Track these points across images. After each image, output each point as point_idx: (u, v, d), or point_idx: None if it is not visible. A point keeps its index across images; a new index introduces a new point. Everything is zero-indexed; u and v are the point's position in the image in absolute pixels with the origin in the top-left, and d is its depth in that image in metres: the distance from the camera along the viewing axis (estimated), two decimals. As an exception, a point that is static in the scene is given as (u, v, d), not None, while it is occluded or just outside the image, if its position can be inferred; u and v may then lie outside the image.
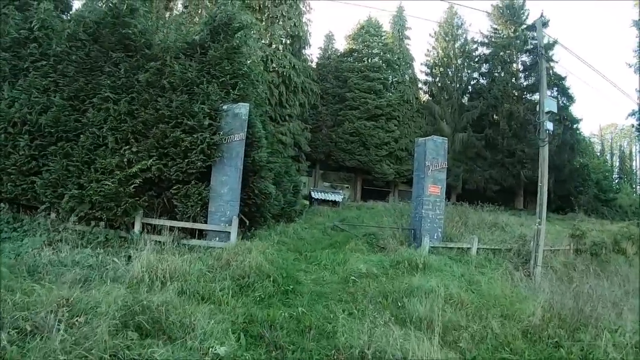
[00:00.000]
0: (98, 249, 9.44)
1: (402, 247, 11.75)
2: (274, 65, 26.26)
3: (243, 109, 11.44)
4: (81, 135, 11.17)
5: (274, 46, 27.10)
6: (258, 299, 6.67)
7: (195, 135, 10.71)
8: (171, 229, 10.71)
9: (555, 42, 39.01)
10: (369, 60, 42.66)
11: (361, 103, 39.78)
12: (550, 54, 39.36)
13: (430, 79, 46.57)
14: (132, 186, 10.56)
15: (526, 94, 41.17)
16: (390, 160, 40.01)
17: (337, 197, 26.75)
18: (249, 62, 12.98)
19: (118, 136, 11.09)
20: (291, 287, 7.55)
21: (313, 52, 44.17)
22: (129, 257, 7.95)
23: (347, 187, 40.78)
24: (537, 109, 13.80)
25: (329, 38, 46.72)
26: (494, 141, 39.22)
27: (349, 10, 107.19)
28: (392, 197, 42.22)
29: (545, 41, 39.48)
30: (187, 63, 11.99)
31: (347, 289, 8.10)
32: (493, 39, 43.21)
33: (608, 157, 73.28)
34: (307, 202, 26.79)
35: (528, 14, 41.91)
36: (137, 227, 10.89)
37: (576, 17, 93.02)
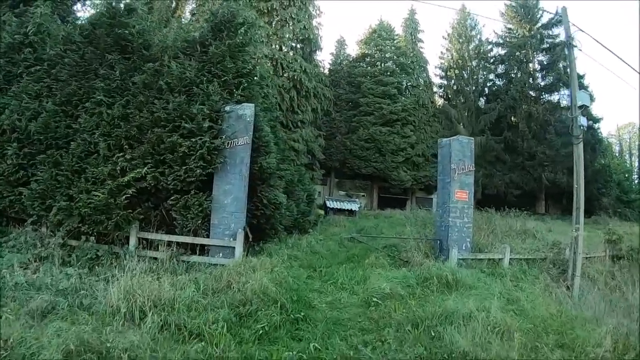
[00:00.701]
0: (85, 267, 8.37)
1: (428, 261, 10.42)
2: (284, 69, 25.21)
3: (248, 110, 10.32)
4: (72, 142, 10.21)
5: (284, 50, 26.10)
6: (261, 332, 5.41)
7: (193, 140, 9.61)
8: (169, 244, 9.59)
9: (573, 38, 38.54)
10: (382, 65, 41.61)
11: (375, 108, 38.64)
12: (566, 52, 38.06)
13: (445, 82, 45.84)
14: (125, 197, 9.48)
15: (544, 95, 40.08)
16: (407, 166, 38.70)
17: (354, 206, 25.49)
18: (254, 61, 11.90)
19: (111, 142, 10.10)
20: (302, 313, 6.30)
21: (325, 58, 43.30)
22: (112, 278, 6.77)
23: (363, 196, 39.49)
24: (570, 104, 12.45)
25: (341, 43, 45.80)
26: (513, 144, 38.26)
27: (360, 14, 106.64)
28: (410, 205, 40.85)
29: (561, 37, 38.97)
30: (186, 62, 10.97)
31: (368, 314, 6.85)
32: (508, 39, 42.31)
33: (627, 157, 70.81)
34: (322, 212, 25.60)
35: (542, 13, 40.80)
36: (132, 243, 9.78)
37: (590, 17, 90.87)
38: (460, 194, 11.81)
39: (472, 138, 12.80)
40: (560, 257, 12.28)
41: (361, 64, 42.04)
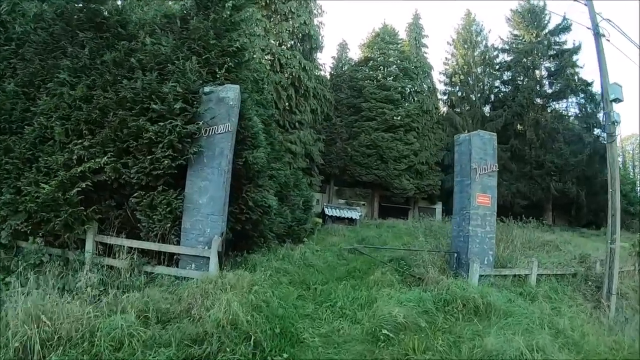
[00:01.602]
0: (20, 277, 6.57)
1: (445, 278, 8.60)
2: (282, 65, 23.44)
3: (231, 92, 8.56)
4: (27, 127, 8.48)
5: (282, 47, 24.34)
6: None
7: (162, 124, 7.83)
8: (131, 250, 7.78)
9: (580, 46, 37.57)
10: (386, 69, 40.04)
11: (378, 113, 36.95)
12: (575, 59, 37.19)
13: (449, 88, 44.70)
14: (77, 191, 7.69)
15: (551, 102, 39.02)
16: (409, 174, 36.94)
17: (354, 214, 23.63)
18: (246, 42, 10.16)
19: (69, 127, 8.36)
20: (285, 355, 4.45)
21: (326, 62, 41.59)
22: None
23: (364, 205, 37.61)
24: (602, 97, 10.77)
25: (343, 47, 44.28)
26: (520, 152, 37.19)
27: (363, 17, 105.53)
28: (412, 215, 39.03)
29: (570, 45, 37.87)
30: (163, 38, 9.24)
31: (377, 353, 5.00)
32: (514, 45, 41.23)
33: (630, 169, 69.55)
34: (320, 220, 23.76)
35: (550, 18, 39.79)
36: (89, 247, 8.02)
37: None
38: (482, 198, 10.03)
39: (495, 134, 11.02)
40: (592, 272, 10.92)
41: (364, 68, 40.37)
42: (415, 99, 39.45)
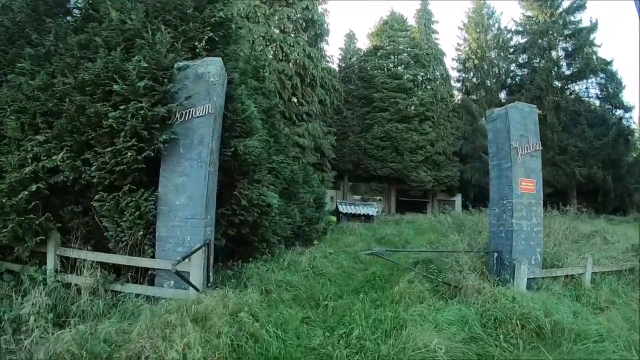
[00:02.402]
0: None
1: (489, 285, 6.90)
2: (284, 53, 21.71)
3: (212, 66, 6.93)
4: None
5: (284, 33, 22.57)
6: None
7: (123, 107, 6.24)
8: (97, 265, 6.32)
9: (596, 23, 35.54)
10: (396, 57, 38.28)
11: (390, 103, 35.19)
12: (592, 37, 35.98)
13: (463, 74, 43.12)
14: (26, 196, 6.17)
15: (571, 83, 37.11)
16: (427, 166, 35.13)
17: (371, 211, 21.87)
18: (231, 12, 8.56)
19: (25, 120, 6.86)
20: None
21: (334, 54, 39.96)
22: None
23: (380, 200, 35.80)
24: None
25: (350, 37, 42.51)
26: (541, 138, 33.65)
27: (369, 7, 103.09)
28: (431, 208, 37.26)
29: (585, 23, 35.94)
30: (132, 12, 7.66)
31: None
32: (528, 26, 39.38)
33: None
34: (334, 218, 22.08)
35: (564, -6, 37.54)
36: (51, 263, 6.57)
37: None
38: (526, 183, 8.27)
39: (534, 105, 9.27)
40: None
41: (373, 57, 38.53)
42: (429, 87, 37.60)
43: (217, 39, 8.03)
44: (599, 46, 36.18)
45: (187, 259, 6.07)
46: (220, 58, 7.13)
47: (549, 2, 37.83)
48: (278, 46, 21.20)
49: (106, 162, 6.23)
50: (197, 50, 7.63)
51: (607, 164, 33.22)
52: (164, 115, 6.42)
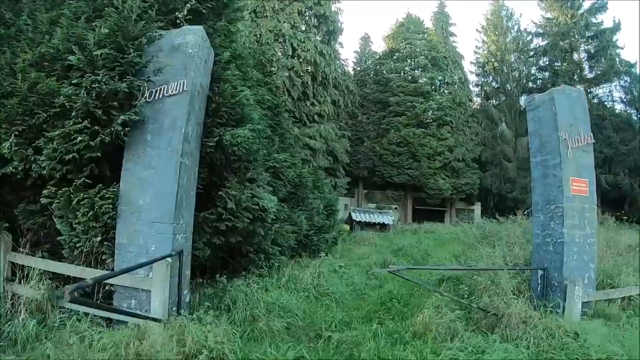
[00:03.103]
0: None
1: (538, 314, 5.38)
2: (294, 49, 20.35)
3: (191, 36, 5.59)
4: None
5: (294, 30, 21.15)
6: None
7: (76, 81, 4.93)
8: (55, 276, 5.13)
9: (619, 24, 33.85)
10: (413, 60, 36.90)
11: (407, 108, 33.82)
12: (614, 38, 34.68)
13: (482, 79, 41.58)
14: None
15: (594, 87, 35.26)
16: (445, 173, 33.66)
17: (386, 219, 20.29)
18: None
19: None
20: None
21: (349, 57, 38.66)
22: None
23: (396, 209, 34.18)
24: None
25: (365, 40, 41.37)
26: None
27: (384, 11, 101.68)
28: (449, 218, 35.56)
29: (609, 24, 34.23)
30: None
31: None
32: (548, 28, 37.70)
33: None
34: (347, 227, 20.59)
35: (586, -5, 36.11)
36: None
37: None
38: (578, 184, 6.76)
39: (582, 89, 7.82)
40: None
41: (389, 60, 37.24)
42: (447, 91, 36.25)
43: (203, 10, 6.73)
44: (622, 48, 34.83)
45: (149, 274, 4.71)
46: (201, 27, 5.80)
47: (569, 3, 36.30)
48: (287, 42, 19.87)
49: (55, 149, 4.92)
50: (178, 22, 6.33)
51: (634, 170, 31.73)
52: (126, 92, 5.08)
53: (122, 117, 4.90)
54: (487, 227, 12.71)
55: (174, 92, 5.31)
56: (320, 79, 22.06)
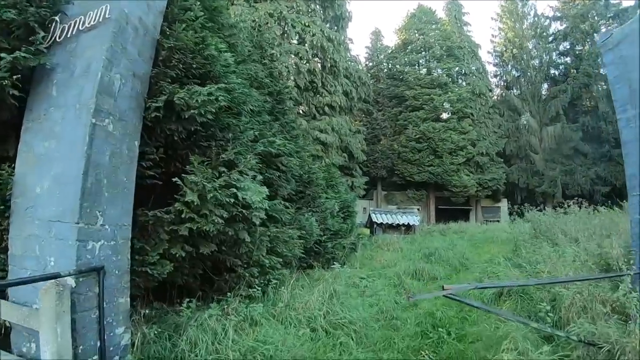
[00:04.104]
0: None
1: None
2: (297, 31, 18.32)
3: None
4: None
5: (297, 14, 19.07)
6: None
7: None
8: None
9: None
10: (428, 52, 34.71)
11: (425, 101, 31.65)
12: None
13: (500, 69, 39.28)
14: None
15: None
16: (469, 169, 31.24)
17: (412, 220, 17.98)
18: None
19: None
20: None
21: (360, 53, 36.73)
22: None
23: (418, 209, 31.88)
24: None
25: (376, 35, 39.28)
26: (593, 130, 32.24)
27: (393, 9, 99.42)
28: (475, 216, 33.18)
29: (629, 2, 32.08)
30: None
31: None
32: (566, 11, 35.88)
33: None
34: (367, 231, 18.47)
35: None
36: None
37: None
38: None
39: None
40: None
41: (402, 53, 35.18)
42: (465, 82, 33.92)
43: None
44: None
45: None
46: None
47: (587, -18, 34.21)
48: (289, 25, 17.78)
49: None
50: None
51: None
52: (11, 21, 3.19)
53: (9, 57, 2.99)
54: (541, 220, 10.45)
55: (92, 22, 3.40)
56: (329, 66, 19.93)
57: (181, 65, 4.26)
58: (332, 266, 7.91)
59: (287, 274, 6.55)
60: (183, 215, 4.18)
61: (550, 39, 37.31)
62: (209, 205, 4.21)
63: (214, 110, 4.23)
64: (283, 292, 5.31)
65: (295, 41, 18.56)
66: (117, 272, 3.57)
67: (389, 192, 33.21)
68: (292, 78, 17.44)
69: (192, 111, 4.06)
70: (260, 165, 6.32)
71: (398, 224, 17.61)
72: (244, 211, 4.60)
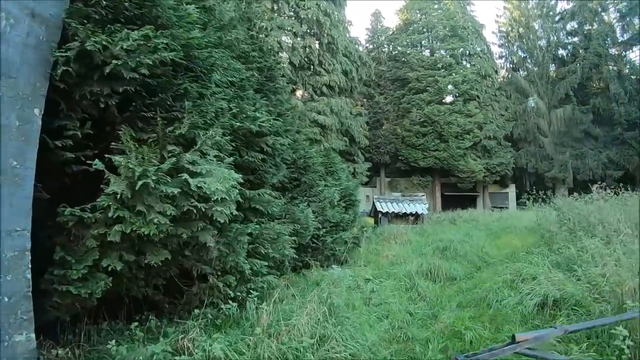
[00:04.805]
0: None
1: None
2: (290, 5, 16.79)
3: None
4: None
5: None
6: None
7: None
8: None
9: None
10: (430, 32, 33.31)
11: (429, 83, 30.31)
12: None
13: (506, 50, 37.82)
14: None
15: (626, 52, 32.51)
16: (476, 153, 29.94)
17: (419, 208, 16.52)
18: None
19: None
20: None
21: (359, 35, 35.26)
22: None
23: (423, 196, 30.56)
24: None
25: (377, 16, 37.63)
26: (605, 113, 31.11)
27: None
28: (482, 203, 31.94)
29: None
30: None
31: None
32: None
33: None
34: (371, 221, 17.21)
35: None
36: None
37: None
38: None
39: None
40: None
41: (404, 34, 33.70)
42: (470, 63, 32.46)
43: None
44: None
45: None
46: None
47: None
48: (282, -1, 16.36)
49: None
50: None
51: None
52: None
53: None
54: (572, 207, 9.03)
55: None
56: (327, 42, 18.32)
57: (107, 2, 2.98)
58: (331, 268, 6.67)
59: (274, 281, 5.33)
60: (111, 214, 2.92)
61: (557, 18, 35.97)
62: (145, 198, 2.95)
63: (150, 63, 2.95)
64: (265, 309, 4.04)
65: (290, 14, 17.04)
66: (7, 299, 2.38)
67: (392, 179, 31.96)
68: (285, 55, 16.03)
69: (115, 62, 2.78)
70: (236, 145, 5.07)
71: (405, 212, 16.30)
72: (200, 205, 3.33)
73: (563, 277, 4.92)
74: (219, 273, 4.56)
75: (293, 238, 6.44)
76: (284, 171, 7.58)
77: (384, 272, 7.29)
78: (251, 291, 4.59)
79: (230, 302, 4.24)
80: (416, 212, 16.35)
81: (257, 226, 5.30)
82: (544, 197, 10.31)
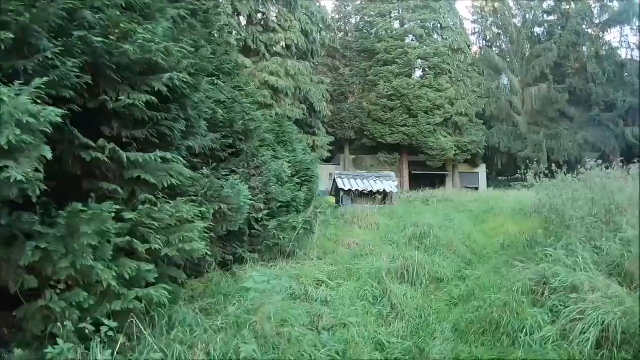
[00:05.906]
0: None
1: None
2: None
3: None
4: None
5: None
6: None
7: None
8: None
9: None
10: (401, 2, 31.38)
11: (398, 55, 28.76)
12: None
13: (479, 25, 36.32)
14: None
15: (609, 29, 32.47)
16: (446, 130, 28.85)
17: (388, 186, 14.52)
18: None
19: None
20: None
21: (325, 4, 33.14)
22: None
23: (392, 173, 29.03)
24: None
25: (345, -15, 35.50)
26: (581, 92, 30.69)
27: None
28: (452, 182, 30.90)
29: None
30: None
31: None
32: None
33: None
34: (332, 201, 15.29)
35: None
36: None
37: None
38: None
39: None
40: None
41: (372, 4, 31.83)
42: (442, 36, 31.05)
43: None
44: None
45: None
46: None
47: None
48: None
49: None
50: None
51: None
52: None
53: None
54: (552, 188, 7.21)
55: None
56: (283, -6, 16.20)
57: None
58: (275, 258, 4.70)
59: (166, 293, 3.31)
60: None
61: (534, -6, 34.84)
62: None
63: None
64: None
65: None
66: None
67: (357, 156, 30.40)
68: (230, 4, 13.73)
69: None
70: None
71: (371, 190, 14.40)
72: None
73: (620, 290, 3.13)
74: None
75: (212, 224, 4.42)
76: (210, 135, 5.55)
77: (344, 269, 5.39)
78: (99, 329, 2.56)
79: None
80: (384, 190, 14.43)
81: (141, 207, 3.30)
82: (552, 171, 8.28)
